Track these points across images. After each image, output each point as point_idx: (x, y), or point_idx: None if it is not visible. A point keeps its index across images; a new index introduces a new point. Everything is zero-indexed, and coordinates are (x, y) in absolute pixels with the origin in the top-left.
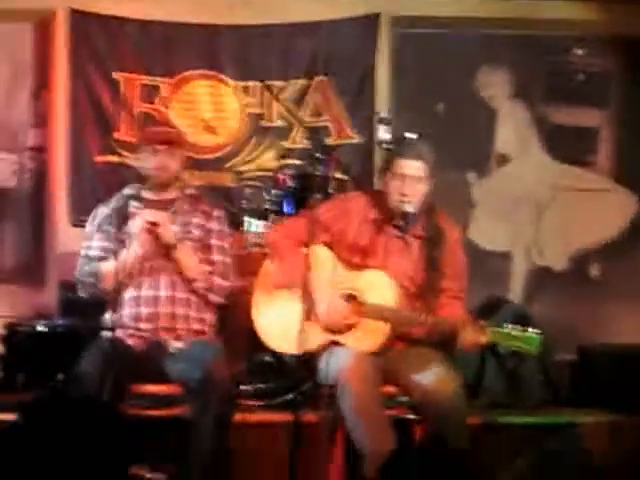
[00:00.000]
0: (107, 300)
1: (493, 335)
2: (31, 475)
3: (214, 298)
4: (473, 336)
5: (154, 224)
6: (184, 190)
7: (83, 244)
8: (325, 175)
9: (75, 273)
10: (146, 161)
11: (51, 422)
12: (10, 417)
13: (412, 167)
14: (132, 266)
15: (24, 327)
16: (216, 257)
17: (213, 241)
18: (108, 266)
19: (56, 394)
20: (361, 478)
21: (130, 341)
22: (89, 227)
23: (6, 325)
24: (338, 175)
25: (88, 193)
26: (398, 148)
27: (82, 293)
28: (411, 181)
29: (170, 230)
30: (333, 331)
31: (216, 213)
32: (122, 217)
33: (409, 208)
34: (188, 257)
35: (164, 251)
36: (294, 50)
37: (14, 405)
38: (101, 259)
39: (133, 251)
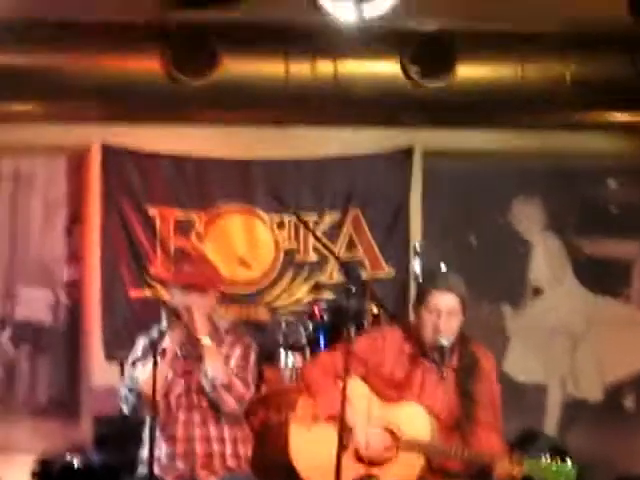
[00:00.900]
0: (143, 433)
1: (529, 467)
2: None
3: (231, 403)
4: (508, 469)
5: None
6: (218, 325)
7: (126, 373)
8: (360, 309)
9: (119, 394)
10: (178, 299)
11: None
12: None
13: (445, 300)
14: (166, 361)
15: (58, 462)
16: (235, 370)
17: (233, 361)
18: (146, 370)
19: None
20: None
21: (167, 478)
22: (130, 358)
23: (39, 461)
24: (373, 309)
25: (122, 327)
26: (431, 281)
27: (126, 408)
28: (445, 315)
29: (202, 321)
30: (369, 464)
31: (242, 342)
32: (160, 349)
33: (444, 342)
34: (214, 355)
35: (195, 346)
36: (327, 184)
37: None
38: None
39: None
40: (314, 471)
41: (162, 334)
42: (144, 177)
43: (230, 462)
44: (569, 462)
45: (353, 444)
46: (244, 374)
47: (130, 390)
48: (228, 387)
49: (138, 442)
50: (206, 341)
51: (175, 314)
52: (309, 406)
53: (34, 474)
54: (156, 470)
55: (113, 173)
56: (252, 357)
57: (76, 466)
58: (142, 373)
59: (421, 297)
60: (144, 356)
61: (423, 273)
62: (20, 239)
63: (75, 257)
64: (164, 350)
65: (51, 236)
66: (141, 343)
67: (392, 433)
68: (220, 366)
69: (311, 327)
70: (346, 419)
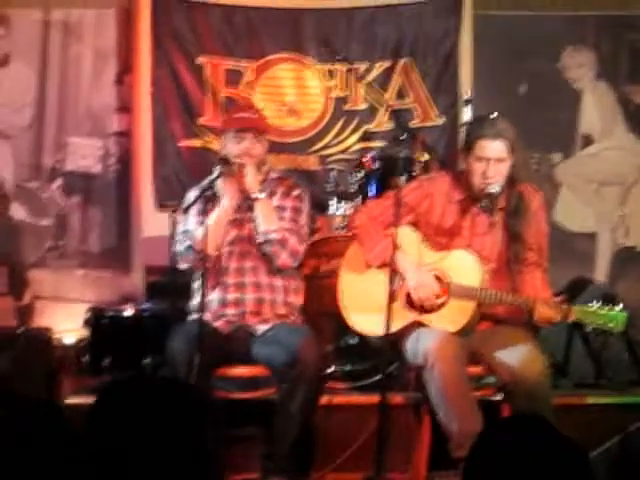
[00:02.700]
0: (194, 283)
1: (578, 313)
2: (113, 458)
3: (286, 259)
4: (548, 312)
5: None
6: (269, 174)
7: (178, 226)
8: (409, 157)
9: (173, 249)
10: (231, 147)
11: (134, 405)
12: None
13: (494, 148)
14: (222, 222)
15: (110, 311)
16: (289, 225)
17: (286, 214)
18: (202, 229)
19: (142, 376)
20: (448, 459)
21: (217, 324)
22: (181, 211)
23: (91, 309)
24: (422, 157)
25: (173, 177)
26: (479, 128)
27: (181, 264)
28: (493, 162)
29: (254, 177)
30: (419, 311)
31: (295, 193)
32: (212, 199)
33: (493, 189)
34: (268, 210)
35: (248, 207)
36: (377, 33)
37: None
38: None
39: (222, 205)
40: (364, 319)
41: (213, 183)
42: (194, 26)
43: (280, 310)
44: (619, 307)
45: (403, 291)
46: (298, 228)
47: (188, 248)
48: (282, 242)
49: (189, 292)
50: (258, 194)
51: (226, 163)
52: (359, 254)
53: (86, 322)
54: (207, 316)
55: (163, 22)
56: (305, 208)
57: (127, 315)
58: (194, 226)
59: (469, 144)
60: (197, 208)
61: (472, 120)
62: (70, 89)
63: (125, 107)
64: (216, 199)
65: (101, 86)
66: (192, 194)
67: (442, 280)
68: (273, 220)
69: (361, 175)
70: (396, 267)
